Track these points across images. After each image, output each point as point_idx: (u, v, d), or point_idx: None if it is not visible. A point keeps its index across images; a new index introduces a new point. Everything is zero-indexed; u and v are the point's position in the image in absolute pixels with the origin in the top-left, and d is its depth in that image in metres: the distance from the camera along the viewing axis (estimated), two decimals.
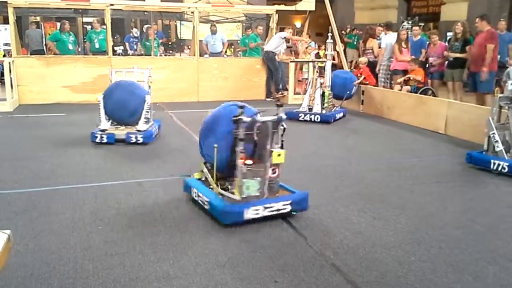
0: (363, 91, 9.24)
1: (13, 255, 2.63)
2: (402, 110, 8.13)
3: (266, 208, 3.55)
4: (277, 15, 11.10)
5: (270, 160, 3.58)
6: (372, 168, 5.27)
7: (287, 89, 10.79)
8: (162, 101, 9.05)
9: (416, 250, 3.19)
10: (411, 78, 8.85)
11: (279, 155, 3.54)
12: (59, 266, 2.85)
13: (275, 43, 10.50)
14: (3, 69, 10.26)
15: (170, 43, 16.30)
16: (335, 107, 8.40)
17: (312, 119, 7.96)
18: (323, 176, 4.94)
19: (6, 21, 13.11)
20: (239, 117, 3.48)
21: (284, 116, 3.63)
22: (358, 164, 5.46)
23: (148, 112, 6.41)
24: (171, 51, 15.17)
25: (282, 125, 3.64)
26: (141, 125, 6.32)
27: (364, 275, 2.83)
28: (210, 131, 3.89)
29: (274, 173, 3.63)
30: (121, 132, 6.25)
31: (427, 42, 10.04)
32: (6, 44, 14.35)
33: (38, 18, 16.79)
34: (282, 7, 11.34)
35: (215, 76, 10.61)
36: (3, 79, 10.04)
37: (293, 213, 3.69)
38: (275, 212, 3.59)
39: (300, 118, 8.02)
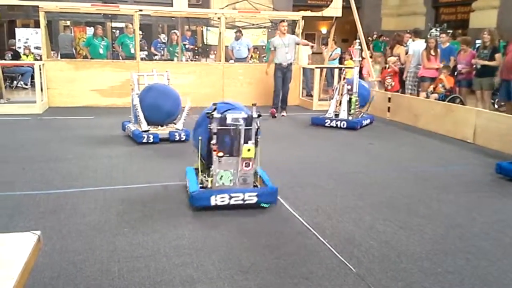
0: (389, 98, 9.13)
1: (40, 255, 2.67)
2: (430, 118, 7.99)
3: (231, 197, 3.90)
4: (303, 21, 11.08)
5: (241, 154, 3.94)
6: (398, 176, 5.19)
7: (311, 95, 10.75)
8: (188, 105, 9.12)
9: (443, 261, 3.13)
10: (440, 86, 8.70)
11: (248, 150, 3.92)
12: (85, 267, 2.90)
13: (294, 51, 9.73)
14: (33, 72, 10.53)
15: (196, 48, 16.45)
16: (362, 114, 8.33)
17: (339, 125, 7.91)
18: (347, 183, 4.89)
19: (37, 25, 13.51)
20: (211, 113, 3.91)
21: (255, 115, 4.00)
22: (384, 172, 5.39)
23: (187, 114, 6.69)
24: (197, 57, 15.32)
25: (256, 123, 4.01)
26: (179, 124, 6.62)
27: (389, 285, 2.79)
28: (199, 125, 4.39)
29: (247, 166, 3.98)
30: (163, 131, 6.52)
31: (457, 50, 9.86)
32: (37, 48, 14.74)
33: (68, 23, 17.23)
34: (309, 13, 11.33)
35: (240, 81, 10.66)
36: (34, 82, 10.31)
37: (262, 205, 3.95)
38: (240, 202, 3.90)
39: (326, 124, 7.98)
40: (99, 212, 3.87)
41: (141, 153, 5.96)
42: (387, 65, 10.55)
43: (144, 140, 6.31)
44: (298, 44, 9.77)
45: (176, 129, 6.57)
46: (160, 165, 5.44)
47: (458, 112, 7.50)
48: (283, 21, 9.51)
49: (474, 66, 8.93)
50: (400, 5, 19.81)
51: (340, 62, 13.41)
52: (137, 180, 4.79)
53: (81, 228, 3.53)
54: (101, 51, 11.17)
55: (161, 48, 13.17)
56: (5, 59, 11.53)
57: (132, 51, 11.07)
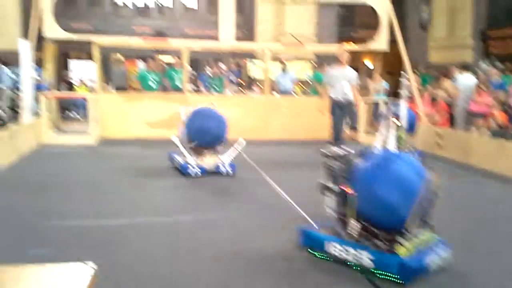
0: (438, 132, 8.91)
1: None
2: (482, 155, 7.71)
3: None
4: (348, 54, 11.08)
5: None
6: (458, 219, 5.00)
7: (355, 128, 10.64)
8: (232, 138, 9.23)
9: None
10: (492, 121, 8.43)
11: None
12: None
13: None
14: (87, 104, 10.98)
15: (241, 81, 16.75)
16: (411, 149, 8.11)
17: None
18: None
19: (90, 57, 14.19)
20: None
21: None
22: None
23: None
24: (241, 89, 15.57)
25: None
26: (226, 158, 6.68)
27: None
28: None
29: None
30: (210, 164, 6.59)
31: (508, 84, 9.58)
32: (90, 80, 15.42)
33: (121, 56, 18.01)
34: (353, 46, 11.35)
35: (285, 114, 10.70)
36: (88, 113, 10.76)
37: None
38: None
39: None
40: (148, 243, 3.94)
41: (187, 186, 6.05)
42: (434, 98, 10.33)
43: (191, 173, 6.40)
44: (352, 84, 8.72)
45: (222, 162, 6.62)
46: (205, 198, 5.49)
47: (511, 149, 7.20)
48: (343, 49, 8.55)
49: None
50: (447, 38, 19.52)
51: (387, 95, 13.25)
52: (184, 213, 4.85)
53: (130, 259, 3.58)
54: (152, 84, 11.53)
55: (207, 81, 13.48)
56: (60, 91, 12.12)
57: (179, 84, 11.38)
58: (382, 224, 3.43)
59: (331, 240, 3.59)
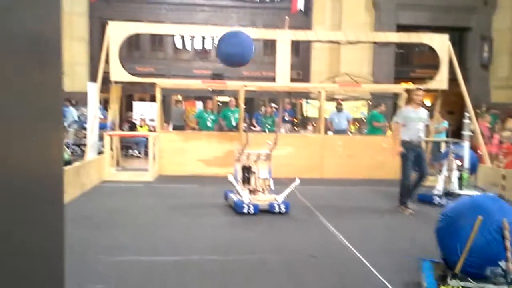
0: (503, 175, 8.41)
1: None
2: None
3: None
4: (406, 93, 10.90)
5: None
6: None
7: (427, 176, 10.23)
8: (286, 176, 9.18)
9: None
10: None
11: None
12: None
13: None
14: (147, 142, 11.40)
15: (295, 120, 16.84)
16: (475, 189, 7.70)
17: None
18: None
19: (153, 99, 14.84)
20: None
21: None
22: None
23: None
24: (296, 128, 15.63)
25: None
26: (280, 197, 6.61)
27: None
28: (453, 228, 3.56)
29: None
30: (264, 202, 6.57)
31: None
32: (151, 120, 16.07)
33: (180, 97, 18.74)
34: (412, 86, 11.14)
35: (340, 153, 10.57)
36: (147, 151, 11.15)
37: None
38: None
39: (435, 202, 7.47)
40: (203, 282, 3.91)
41: (241, 224, 6.02)
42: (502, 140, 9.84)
43: (245, 211, 6.39)
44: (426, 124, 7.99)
45: (277, 201, 6.59)
46: (260, 237, 5.43)
47: None
48: (419, 89, 7.75)
49: None
50: (510, 77, 18.79)
51: (448, 135, 12.80)
52: (238, 251, 4.80)
53: None
54: (209, 123, 11.84)
55: (260, 120, 13.66)
56: (122, 130, 12.69)
57: (233, 123, 11.59)
58: None
59: None
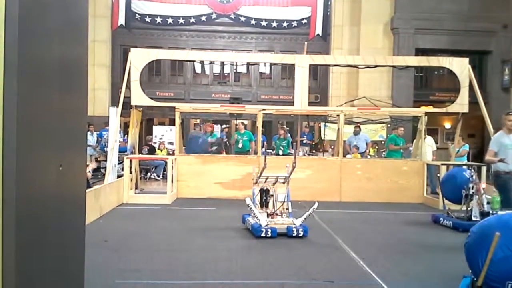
0: None
1: None
2: None
3: None
4: (426, 116, 10.83)
5: None
6: None
7: (437, 193, 10.11)
8: (304, 200, 9.13)
9: None
10: None
11: None
12: None
13: None
14: (166, 165, 11.51)
15: (313, 143, 16.81)
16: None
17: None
18: None
19: (172, 123, 15.03)
20: None
21: None
22: None
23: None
24: (314, 151, 15.59)
25: None
26: (298, 220, 6.54)
27: None
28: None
29: None
30: (282, 226, 6.51)
31: None
32: (170, 143, 16.23)
33: (198, 121, 18.92)
34: (432, 109, 11.07)
35: (358, 176, 10.48)
36: (165, 174, 11.24)
37: None
38: None
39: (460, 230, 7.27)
40: None
41: (259, 247, 5.98)
42: None
43: (263, 234, 6.36)
44: None
45: (294, 224, 6.53)
46: (277, 261, 5.38)
47: None
48: (510, 113, 7.07)
49: None
50: None
51: (468, 158, 12.61)
52: (255, 276, 4.76)
53: None
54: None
55: (276, 143, 13.69)
56: (142, 153, 12.84)
57: (241, 146, 11.58)
58: None
59: None
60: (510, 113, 6.95)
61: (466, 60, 10.79)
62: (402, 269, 5.18)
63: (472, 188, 7.39)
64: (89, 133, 12.98)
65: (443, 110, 11.50)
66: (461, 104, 10.55)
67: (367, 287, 4.51)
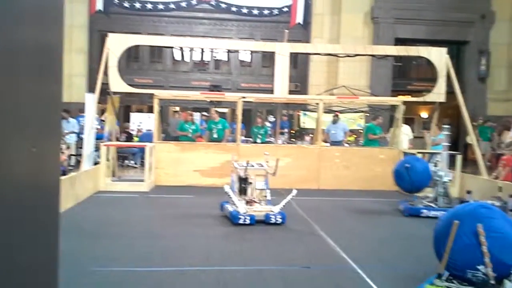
0: (500, 187, 8.43)
1: None
2: None
3: None
4: (403, 106, 10.98)
5: None
6: None
7: None
8: (283, 187, 9.19)
9: None
10: None
11: None
12: None
13: None
14: (144, 153, 11.38)
15: (293, 131, 16.89)
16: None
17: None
18: None
19: (150, 110, 14.88)
20: None
21: None
22: None
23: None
24: (293, 140, 15.67)
25: None
26: (276, 207, 6.62)
27: None
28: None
29: None
30: (260, 213, 6.56)
31: None
32: (148, 130, 16.07)
33: (177, 108, 18.78)
34: (410, 98, 11.22)
35: (336, 164, 10.59)
36: (143, 162, 11.14)
37: None
38: None
39: (422, 215, 7.47)
40: None
41: (237, 235, 6.02)
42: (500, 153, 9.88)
43: (241, 221, 6.39)
44: None
45: (273, 212, 6.58)
46: (255, 248, 5.42)
47: None
48: None
49: None
50: (508, 90, 18.94)
51: None
52: (233, 262, 4.80)
53: None
54: (189, 134, 11.78)
55: (253, 131, 13.68)
56: (119, 141, 12.69)
57: (215, 135, 11.47)
58: None
59: None
60: None
61: (444, 50, 10.93)
62: (377, 254, 5.29)
63: (440, 177, 7.56)
64: (70, 119, 12.73)
65: (420, 99, 11.68)
66: (438, 94, 10.71)
67: (343, 272, 4.59)
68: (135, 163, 13.70)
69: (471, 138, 10.49)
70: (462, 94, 10.97)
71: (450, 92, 10.76)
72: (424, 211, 7.46)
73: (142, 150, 11.44)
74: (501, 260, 3.46)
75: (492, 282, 3.44)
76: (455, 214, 3.77)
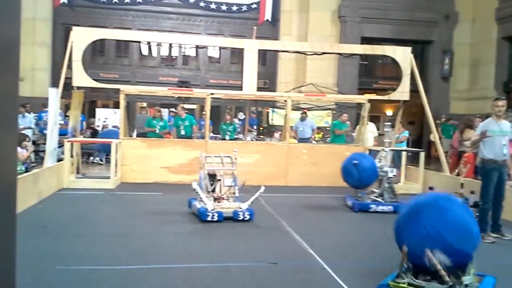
0: (462, 183, 8.70)
1: None
2: (509, 206, 7.45)
3: None
4: (369, 104, 11.16)
5: None
6: None
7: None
8: (251, 184, 9.21)
9: None
10: None
11: None
12: None
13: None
14: (110, 149, 11.17)
15: (261, 128, 16.93)
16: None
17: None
18: None
19: (116, 105, 14.62)
20: None
21: None
22: None
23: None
24: (261, 136, 15.71)
25: None
26: (245, 204, 6.62)
27: None
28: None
29: None
30: (228, 210, 6.54)
31: None
32: (114, 127, 15.79)
33: (145, 104, 18.51)
34: (375, 96, 11.41)
35: (304, 161, 10.68)
36: (109, 158, 10.93)
37: None
38: None
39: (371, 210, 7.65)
40: None
41: (205, 232, 5.99)
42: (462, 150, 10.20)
43: (209, 218, 6.36)
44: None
45: (241, 208, 6.59)
46: (223, 245, 5.41)
47: None
48: (499, 98, 6.46)
49: None
50: (470, 89, 19.54)
51: (408, 145, 13.17)
52: (200, 259, 4.77)
53: None
54: (156, 130, 11.68)
55: (221, 128, 13.67)
56: (84, 137, 12.41)
57: (183, 132, 11.39)
58: None
59: None
60: (498, 99, 6.40)
61: (408, 49, 11.18)
62: (343, 250, 5.37)
63: (385, 172, 7.76)
64: (26, 114, 12.36)
65: (385, 97, 11.90)
66: (402, 92, 10.95)
67: (309, 268, 4.64)
68: (101, 160, 13.43)
69: (434, 136, 10.76)
70: (426, 93, 11.25)
71: (414, 90, 11.01)
72: (373, 206, 7.66)
73: (108, 146, 11.23)
74: (460, 250, 3.58)
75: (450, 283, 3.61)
76: (416, 205, 3.89)
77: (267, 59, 20.37)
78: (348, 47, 12.64)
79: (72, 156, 9.55)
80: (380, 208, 7.62)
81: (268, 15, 19.68)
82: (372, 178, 7.85)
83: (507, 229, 6.36)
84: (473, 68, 19.49)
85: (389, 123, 9.06)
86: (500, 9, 18.10)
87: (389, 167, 7.94)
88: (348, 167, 7.92)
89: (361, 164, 7.74)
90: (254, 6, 19.85)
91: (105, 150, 11.72)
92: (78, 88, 10.03)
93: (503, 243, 5.98)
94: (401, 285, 3.67)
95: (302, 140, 12.48)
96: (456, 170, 9.89)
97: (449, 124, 15.46)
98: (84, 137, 12.41)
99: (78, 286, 3.92)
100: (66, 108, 12.35)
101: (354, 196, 8.05)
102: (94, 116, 17.05)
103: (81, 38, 9.94)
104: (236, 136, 13.25)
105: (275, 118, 17.00)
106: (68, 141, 9.41)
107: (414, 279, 3.75)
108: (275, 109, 16.85)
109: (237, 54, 18.79)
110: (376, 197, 7.87)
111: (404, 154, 10.85)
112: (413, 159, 11.17)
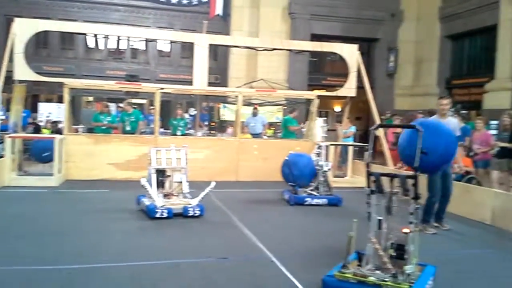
0: None
1: None
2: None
3: None
4: (318, 100, 11.38)
5: None
6: None
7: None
8: (202, 180, 9.16)
9: None
10: (456, 166, 8.64)
11: None
12: None
13: None
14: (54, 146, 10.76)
15: (213, 124, 16.89)
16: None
17: None
18: None
19: (60, 100, 14.08)
20: None
21: None
22: None
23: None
24: (213, 132, 15.66)
25: None
26: (195, 200, 6.58)
27: None
28: None
29: None
30: (177, 206, 6.46)
31: (471, 130, 9.95)
32: (58, 122, 15.22)
33: (91, 98, 17.96)
34: (324, 92, 11.65)
35: (255, 156, 10.74)
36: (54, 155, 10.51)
37: None
38: None
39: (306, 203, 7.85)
40: None
41: (154, 228, 5.91)
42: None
43: (158, 215, 6.28)
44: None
45: (190, 204, 6.53)
46: (172, 241, 5.37)
47: (475, 193, 7.38)
48: (443, 97, 6.62)
49: (491, 146, 9.01)
50: (413, 86, 20.34)
51: (355, 140, 13.53)
52: (149, 257, 4.70)
53: None
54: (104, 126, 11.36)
55: (171, 123, 13.52)
56: (26, 133, 11.88)
57: (128, 128, 11.12)
58: None
59: None
60: (443, 98, 6.55)
61: (355, 46, 11.48)
62: (292, 244, 5.46)
63: (321, 166, 7.98)
64: None
65: (333, 93, 12.16)
66: (349, 88, 11.23)
67: (259, 262, 4.69)
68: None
69: (379, 131, 11.11)
70: (372, 89, 11.59)
71: (360, 87, 11.32)
72: (308, 199, 7.85)
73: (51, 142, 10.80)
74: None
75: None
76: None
77: (219, 54, 20.30)
78: (297, 43, 12.81)
79: (13, 153, 9.13)
80: (315, 201, 7.82)
81: (219, 10, 19.57)
82: (309, 177, 8.07)
83: (448, 220, 6.67)
84: (417, 65, 20.28)
85: (325, 118, 9.31)
86: (443, 8, 18.94)
87: (324, 162, 8.15)
88: (285, 171, 8.15)
89: (296, 164, 7.98)
90: (204, 0, 19.69)
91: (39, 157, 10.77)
92: (20, 81, 9.59)
93: (442, 233, 6.28)
94: (346, 275, 3.78)
95: (253, 135, 12.55)
96: (399, 164, 10.28)
97: (393, 119, 16.01)
98: (26, 133, 11.88)
99: (21, 287, 3.76)
100: (7, 102, 11.75)
101: (291, 190, 8.18)
102: (36, 111, 16.37)
103: (24, 29, 9.51)
104: (187, 132, 13.12)
105: (227, 113, 17.00)
106: (9, 137, 8.99)
107: (360, 268, 3.89)
108: (226, 105, 16.84)
109: (188, 48, 18.58)
110: (311, 190, 8.05)
111: (351, 148, 11.14)
112: (359, 154, 11.50)
